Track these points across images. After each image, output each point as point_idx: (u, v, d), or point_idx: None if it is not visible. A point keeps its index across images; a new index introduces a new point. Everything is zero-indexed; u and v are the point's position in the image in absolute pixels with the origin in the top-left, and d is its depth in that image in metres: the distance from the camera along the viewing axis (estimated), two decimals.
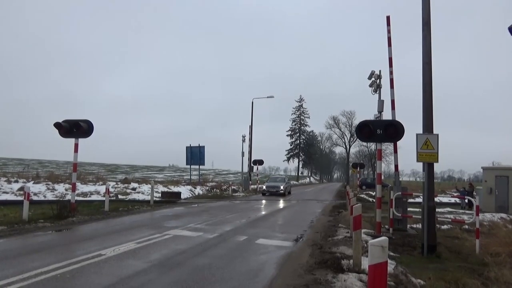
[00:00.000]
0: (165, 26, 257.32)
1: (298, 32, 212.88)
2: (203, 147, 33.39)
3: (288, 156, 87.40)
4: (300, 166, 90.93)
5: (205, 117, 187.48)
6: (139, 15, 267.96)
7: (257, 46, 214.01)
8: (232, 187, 30.37)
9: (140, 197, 20.30)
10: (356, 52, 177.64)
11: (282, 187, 28.22)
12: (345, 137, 77.99)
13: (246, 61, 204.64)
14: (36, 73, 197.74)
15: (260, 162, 35.46)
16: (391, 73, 11.75)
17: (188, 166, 35.52)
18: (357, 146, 77.05)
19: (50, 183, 20.58)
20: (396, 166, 12.35)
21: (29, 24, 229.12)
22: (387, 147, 54.41)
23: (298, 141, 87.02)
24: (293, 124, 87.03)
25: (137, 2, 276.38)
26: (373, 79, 12.93)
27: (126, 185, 23.92)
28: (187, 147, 33.89)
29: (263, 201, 21.98)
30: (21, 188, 16.81)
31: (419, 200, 13.28)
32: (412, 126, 10.64)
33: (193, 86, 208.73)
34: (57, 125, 12.21)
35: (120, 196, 19.79)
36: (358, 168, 42.93)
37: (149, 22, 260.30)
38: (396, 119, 10.90)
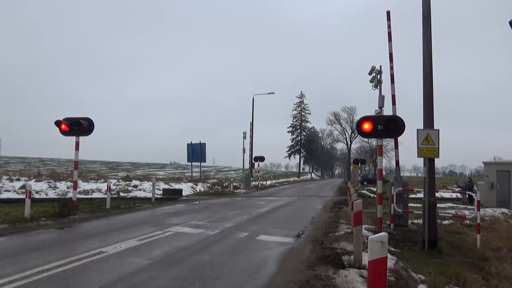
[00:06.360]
0: (189, 32, 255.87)
1: (309, 38, 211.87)
2: (204, 144, 33.38)
3: (289, 152, 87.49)
4: (301, 162, 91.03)
5: (209, 117, 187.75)
6: (163, 21, 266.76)
7: (267, 50, 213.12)
8: (234, 184, 30.36)
9: (141, 194, 20.33)
10: (357, 50, 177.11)
11: None
12: (346, 133, 78.13)
13: (258, 65, 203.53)
14: (41, 73, 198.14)
15: (262, 158, 35.39)
16: (391, 68, 11.72)
17: (190, 163, 35.57)
18: (358, 142, 77.22)
19: (51, 181, 20.58)
20: (397, 162, 12.33)
21: (61, 33, 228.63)
22: (388, 142, 54.40)
23: (299, 138, 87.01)
24: (294, 120, 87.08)
25: (162, 9, 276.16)
26: (373, 74, 12.91)
27: (127, 182, 23.94)
28: (188, 144, 33.88)
29: (265, 198, 22.01)
30: (23, 186, 16.79)
31: (420, 195, 13.28)
32: (413, 121, 10.62)
33: (201, 90, 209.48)
34: (57, 123, 12.22)
35: (121, 194, 19.81)
36: (359, 164, 42.92)
37: (174, 29, 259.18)
38: (397, 114, 10.88)
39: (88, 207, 13.40)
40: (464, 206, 19.09)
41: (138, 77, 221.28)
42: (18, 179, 20.21)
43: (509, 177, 18.56)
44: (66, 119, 12.25)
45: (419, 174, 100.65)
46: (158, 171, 61.67)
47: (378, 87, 12.72)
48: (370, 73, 13.05)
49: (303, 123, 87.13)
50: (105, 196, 14.79)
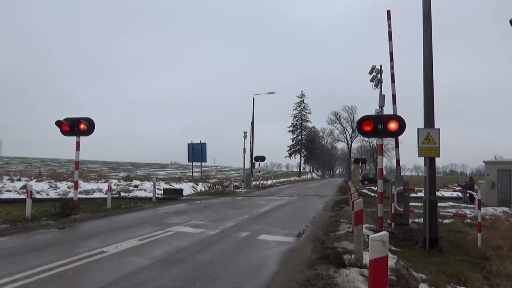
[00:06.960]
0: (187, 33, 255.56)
1: (311, 38, 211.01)
2: (205, 144, 33.39)
3: (290, 152, 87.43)
4: (302, 162, 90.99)
5: (209, 117, 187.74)
6: (164, 21, 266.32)
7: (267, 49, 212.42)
8: (234, 183, 30.37)
9: (142, 194, 20.35)
10: (357, 48, 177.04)
11: None
12: (346, 132, 78.19)
13: (259, 65, 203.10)
14: (42, 73, 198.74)
15: (262, 158, 35.39)
16: (392, 67, 11.71)
17: (190, 163, 35.59)
18: (359, 142, 77.27)
19: (52, 181, 20.59)
20: (398, 161, 12.33)
21: (65, 32, 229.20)
22: (389, 142, 54.39)
23: (299, 137, 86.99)
24: (294, 120, 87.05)
25: (163, 9, 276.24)
26: (374, 74, 12.91)
27: (128, 182, 23.94)
28: (188, 144, 33.89)
29: (265, 198, 22.02)
30: (24, 187, 16.83)
31: (421, 194, 13.26)
32: (414, 120, 10.61)
33: (202, 89, 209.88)
34: (58, 123, 12.23)
35: (122, 194, 19.82)
36: (360, 163, 42.88)
37: (175, 29, 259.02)
38: (398, 113, 10.87)
39: (89, 207, 13.42)
40: (465, 205, 19.07)
41: (139, 77, 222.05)
42: (19, 179, 20.22)
43: (510, 176, 18.55)
44: (67, 119, 12.26)
45: (420, 173, 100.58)
46: (158, 171, 61.73)
47: (379, 87, 12.72)
48: (370, 73, 13.05)
49: (304, 123, 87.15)
50: (106, 196, 14.81)
